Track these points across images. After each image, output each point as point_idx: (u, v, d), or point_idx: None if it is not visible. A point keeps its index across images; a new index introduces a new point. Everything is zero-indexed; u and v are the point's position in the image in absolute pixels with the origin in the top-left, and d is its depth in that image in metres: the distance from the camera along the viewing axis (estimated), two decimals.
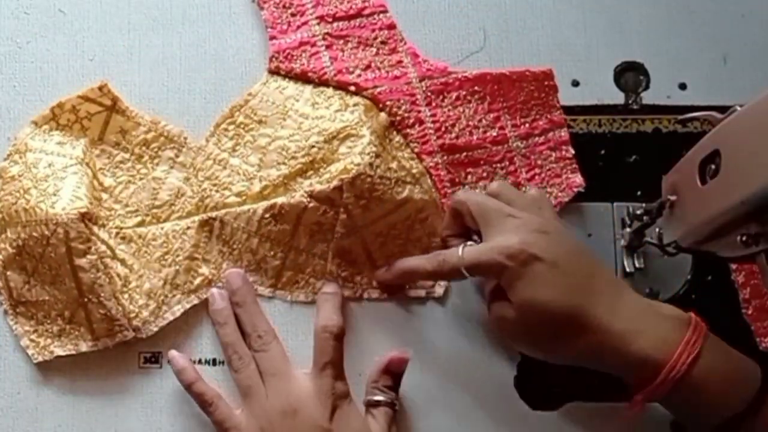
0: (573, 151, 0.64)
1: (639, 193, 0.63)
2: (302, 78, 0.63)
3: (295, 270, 0.61)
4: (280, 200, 0.60)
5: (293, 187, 0.61)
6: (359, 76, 0.63)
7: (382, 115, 0.62)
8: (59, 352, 0.59)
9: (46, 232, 0.57)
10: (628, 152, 0.64)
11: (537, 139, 0.64)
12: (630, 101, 0.65)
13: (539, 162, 0.63)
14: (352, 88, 0.63)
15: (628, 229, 0.61)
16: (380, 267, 0.61)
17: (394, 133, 0.62)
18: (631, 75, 0.66)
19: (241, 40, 0.65)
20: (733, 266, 0.63)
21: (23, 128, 0.62)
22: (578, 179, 0.63)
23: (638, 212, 0.59)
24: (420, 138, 0.62)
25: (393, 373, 0.59)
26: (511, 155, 0.63)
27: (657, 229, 0.58)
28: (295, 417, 0.55)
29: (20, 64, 0.64)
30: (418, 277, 0.60)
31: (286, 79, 0.64)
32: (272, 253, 0.61)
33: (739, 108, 0.50)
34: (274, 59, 0.64)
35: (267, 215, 0.60)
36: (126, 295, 0.59)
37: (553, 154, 0.64)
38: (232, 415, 0.57)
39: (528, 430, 0.60)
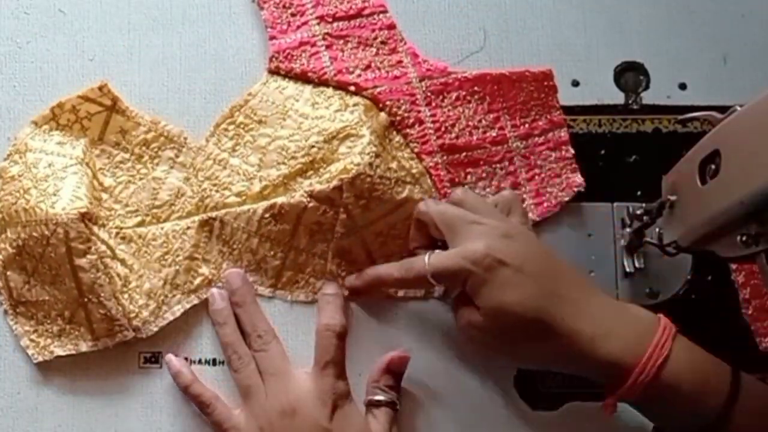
0: (573, 151, 0.64)
1: (639, 193, 0.63)
2: (302, 78, 0.63)
3: (295, 270, 0.61)
4: (280, 200, 0.60)
5: (293, 187, 0.61)
6: (359, 76, 0.63)
7: (382, 115, 0.62)
8: (59, 352, 0.59)
9: (46, 232, 0.57)
10: (628, 152, 0.64)
11: (537, 139, 0.64)
12: (630, 101, 0.65)
13: (539, 162, 0.63)
14: (352, 88, 0.63)
15: (628, 229, 0.61)
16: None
17: (394, 133, 0.62)
18: (631, 75, 0.66)
19: (241, 40, 0.65)
20: (733, 266, 0.63)
21: (23, 128, 0.62)
22: (578, 179, 0.63)
23: (638, 212, 0.59)
24: (420, 138, 0.62)
25: (394, 372, 0.59)
26: (511, 155, 0.63)
27: (657, 229, 0.58)
28: (295, 417, 0.55)
29: (20, 64, 0.64)
30: (386, 285, 0.60)
31: (286, 79, 0.64)
32: (272, 253, 0.61)
33: (739, 108, 0.50)
34: (274, 59, 0.64)
35: (267, 215, 0.60)
36: (126, 295, 0.59)
37: (553, 154, 0.64)
38: (230, 415, 0.57)
39: (528, 430, 0.60)
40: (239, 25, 0.65)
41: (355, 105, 0.62)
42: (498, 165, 0.63)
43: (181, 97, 0.64)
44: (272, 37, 0.64)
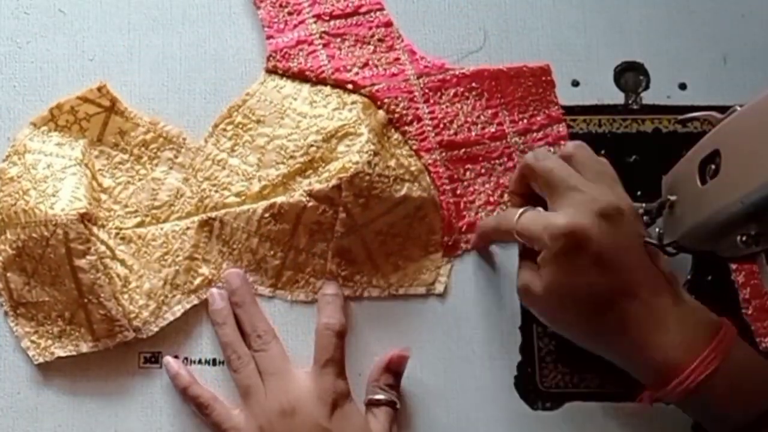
0: None
1: (639, 193, 0.63)
2: (300, 77, 0.63)
3: (295, 269, 0.61)
4: (280, 200, 0.60)
5: (292, 186, 0.61)
6: (357, 74, 0.63)
7: (380, 112, 0.62)
8: (60, 353, 0.59)
9: (46, 233, 0.57)
10: (628, 152, 0.64)
11: (535, 134, 0.64)
12: (630, 101, 0.65)
13: None
14: (350, 86, 0.63)
15: None
16: (379, 266, 0.61)
17: (392, 130, 0.62)
18: (631, 75, 0.66)
19: (241, 40, 0.65)
20: (733, 266, 0.63)
21: (22, 129, 0.62)
22: None
23: (638, 212, 0.59)
24: (418, 135, 0.62)
25: (393, 371, 0.59)
26: (510, 151, 0.63)
27: (657, 229, 0.57)
28: (295, 416, 0.55)
29: (20, 64, 0.64)
30: (489, 237, 0.60)
31: (284, 78, 0.64)
32: (272, 252, 0.61)
33: (739, 108, 0.50)
34: (271, 58, 0.64)
35: (266, 215, 0.60)
36: (126, 296, 0.59)
37: (552, 150, 0.64)
38: (230, 416, 0.57)
39: (528, 430, 0.60)
40: (239, 25, 0.65)
41: (353, 103, 0.62)
42: (497, 161, 0.63)
43: (181, 97, 0.64)
44: (269, 37, 0.64)
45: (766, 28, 0.67)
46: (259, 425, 0.56)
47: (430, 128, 0.63)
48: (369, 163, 0.59)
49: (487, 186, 0.63)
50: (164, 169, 0.62)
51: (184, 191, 0.62)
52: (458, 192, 0.63)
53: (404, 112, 0.62)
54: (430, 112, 0.63)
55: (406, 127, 0.62)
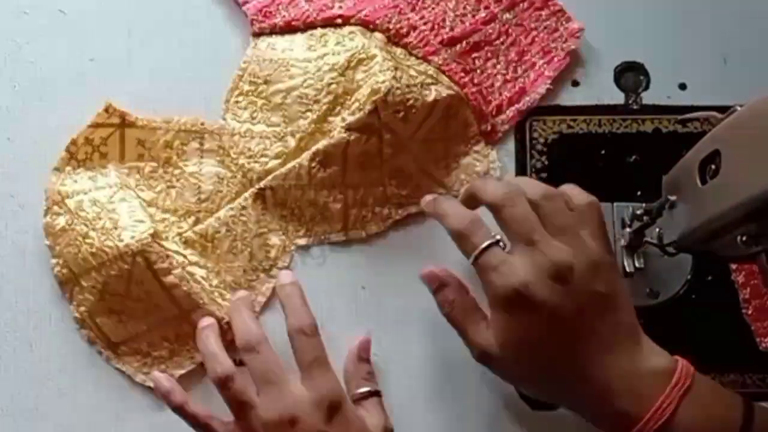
0: (560, 3, 0.66)
1: (639, 193, 0.63)
2: (288, 29, 0.64)
3: (359, 206, 0.62)
4: (321, 145, 0.60)
5: (327, 128, 0.61)
6: (340, 7, 0.64)
7: (376, 34, 0.63)
8: (178, 371, 0.60)
9: (126, 266, 0.57)
10: (628, 152, 0.64)
11: (522, 5, 0.66)
12: (630, 101, 0.65)
13: (533, 25, 0.66)
14: (339, 20, 0.64)
15: (628, 229, 0.61)
16: (433, 174, 0.63)
17: (394, 47, 0.63)
18: (631, 75, 0.66)
19: (241, 40, 0.65)
20: (733, 266, 0.63)
21: (48, 178, 0.61)
22: (575, 24, 0.66)
23: (638, 212, 0.59)
24: (420, 42, 0.63)
25: (365, 359, 0.59)
26: (506, 28, 0.65)
27: (657, 229, 0.58)
28: (296, 425, 0.53)
29: (20, 64, 0.64)
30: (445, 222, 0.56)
31: (273, 36, 0.64)
32: (331, 198, 0.61)
33: (739, 108, 0.50)
34: (254, 22, 0.64)
35: (313, 164, 0.60)
36: (216, 294, 0.59)
37: (543, 13, 0.66)
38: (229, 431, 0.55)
39: (528, 430, 0.60)
40: (239, 26, 0.65)
41: (350, 33, 0.63)
42: (498, 41, 0.65)
43: (181, 96, 0.64)
44: (244, 2, 0.64)
45: (766, 28, 0.67)
46: None
47: (427, 32, 0.64)
48: (394, 77, 0.59)
49: (498, 67, 0.65)
50: (196, 161, 0.62)
51: (224, 174, 0.62)
52: (476, 81, 0.64)
53: (398, 26, 0.63)
54: (421, 18, 0.64)
55: (406, 39, 0.63)
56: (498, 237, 0.53)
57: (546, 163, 0.64)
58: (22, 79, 0.64)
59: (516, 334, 0.52)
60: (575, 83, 0.66)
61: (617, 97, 0.66)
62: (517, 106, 0.64)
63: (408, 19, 0.64)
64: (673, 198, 0.55)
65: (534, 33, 0.65)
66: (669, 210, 0.56)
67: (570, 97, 0.65)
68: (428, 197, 0.58)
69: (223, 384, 0.54)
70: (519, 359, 0.53)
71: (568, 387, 0.53)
